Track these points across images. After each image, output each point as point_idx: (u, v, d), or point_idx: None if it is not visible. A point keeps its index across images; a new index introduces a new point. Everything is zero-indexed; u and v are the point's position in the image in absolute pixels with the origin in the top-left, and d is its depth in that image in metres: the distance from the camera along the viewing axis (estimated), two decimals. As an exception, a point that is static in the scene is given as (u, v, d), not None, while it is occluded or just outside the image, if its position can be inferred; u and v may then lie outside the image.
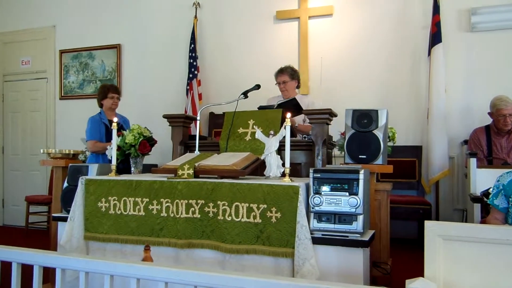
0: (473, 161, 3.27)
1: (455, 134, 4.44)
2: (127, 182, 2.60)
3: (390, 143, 3.26)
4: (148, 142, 3.67)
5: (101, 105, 4.33)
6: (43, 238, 4.87)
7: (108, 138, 4.14)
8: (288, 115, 2.49)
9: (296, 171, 3.21)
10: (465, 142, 4.24)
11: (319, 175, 2.25)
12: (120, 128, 4.23)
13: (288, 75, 4.05)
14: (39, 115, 6.28)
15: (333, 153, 3.47)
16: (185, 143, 3.56)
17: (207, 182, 2.43)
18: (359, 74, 4.83)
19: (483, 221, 2.98)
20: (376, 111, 2.64)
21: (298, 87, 4.21)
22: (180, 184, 2.47)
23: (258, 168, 2.78)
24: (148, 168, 4.59)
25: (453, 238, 1.56)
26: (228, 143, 3.28)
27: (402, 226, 4.45)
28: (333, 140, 3.46)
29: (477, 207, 3.10)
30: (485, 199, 3.08)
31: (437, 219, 4.34)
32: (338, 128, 3.39)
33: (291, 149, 2.69)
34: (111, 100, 4.24)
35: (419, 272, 1.56)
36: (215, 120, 5.24)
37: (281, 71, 4.09)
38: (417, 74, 4.65)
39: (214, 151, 3.38)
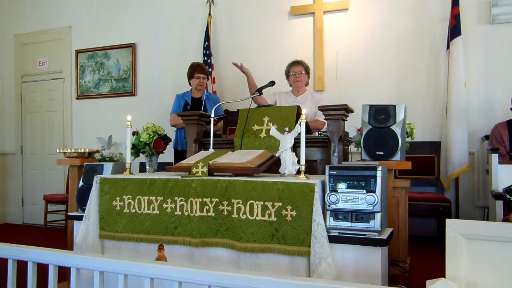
0: (494, 157, 3.17)
1: (475, 129, 4.32)
2: (141, 181, 2.59)
3: (408, 139, 3.19)
4: (162, 140, 3.67)
5: (190, 84, 4.49)
6: (61, 237, 4.92)
7: None
8: (304, 111, 2.44)
9: (311, 168, 3.16)
10: (486, 137, 4.13)
11: (335, 172, 2.20)
12: (203, 103, 4.36)
13: (304, 67, 4.05)
14: (56, 115, 6.35)
15: (349, 149, 3.41)
16: (199, 141, 3.53)
17: (221, 180, 2.40)
18: (376, 69, 4.74)
19: (506, 218, 2.89)
20: (394, 106, 2.58)
21: (307, 83, 4.16)
22: (194, 182, 2.45)
23: (273, 165, 2.74)
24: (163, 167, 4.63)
25: (476, 237, 1.49)
26: (242, 141, 3.25)
27: (421, 223, 4.36)
28: (350, 136, 3.40)
29: (499, 204, 3.00)
30: (508, 196, 2.99)
31: (457, 216, 4.24)
32: (354, 124, 3.32)
33: (306, 146, 2.64)
34: (197, 80, 4.38)
35: (438, 271, 1.51)
36: (230, 118, 5.20)
37: (297, 62, 4.07)
38: (435, 68, 4.54)
39: (228, 149, 3.35)
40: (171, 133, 4.50)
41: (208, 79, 4.54)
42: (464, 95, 4.18)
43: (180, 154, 4.36)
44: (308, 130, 3.41)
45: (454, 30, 4.20)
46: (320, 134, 3.25)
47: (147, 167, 3.74)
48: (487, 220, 3.77)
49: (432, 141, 4.46)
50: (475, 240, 1.50)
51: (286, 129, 2.75)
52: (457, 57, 4.18)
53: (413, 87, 4.60)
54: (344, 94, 4.74)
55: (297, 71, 4.02)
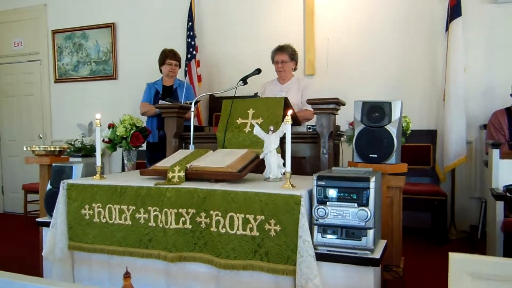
0: (495, 153, 2.96)
1: (473, 117, 4.09)
2: (111, 188, 2.35)
3: (403, 132, 2.96)
4: (141, 134, 3.42)
5: (161, 71, 4.29)
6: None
7: (156, 102, 4.09)
8: (290, 112, 2.20)
9: (299, 165, 2.94)
10: (485, 126, 3.90)
11: (323, 182, 1.97)
12: (174, 91, 4.16)
13: (288, 55, 3.75)
14: (34, 99, 6.02)
15: (340, 144, 3.18)
16: (180, 135, 3.29)
17: (198, 189, 2.17)
18: (370, 53, 4.45)
19: (508, 221, 2.70)
20: (389, 103, 2.33)
21: (295, 69, 3.90)
22: (168, 191, 2.22)
23: (257, 166, 2.51)
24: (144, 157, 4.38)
25: (484, 276, 1.28)
26: (226, 135, 3.01)
27: (414, 215, 4.18)
28: (341, 129, 3.17)
29: (499, 204, 2.81)
30: (509, 195, 2.80)
31: (452, 209, 4.07)
32: (346, 117, 3.07)
33: (293, 142, 2.41)
34: (169, 67, 4.18)
35: (433, 273, 1.32)
36: (216, 104, 4.94)
37: (281, 49, 3.78)
38: (433, 51, 4.25)
39: (211, 144, 3.12)
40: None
41: (180, 67, 4.27)
42: (463, 81, 3.93)
43: (152, 146, 4.13)
44: (296, 121, 3.18)
45: (454, 11, 3.91)
46: (309, 128, 3.01)
47: (125, 161, 3.51)
48: (485, 215, 3.59)
49: (428, 129, 4.23)
50: (483, 279, 1.29)
51: (271, 128, 2.50)
52: (456, 40, 3.90)
53: (409, 72, 4.34)
54: (336, 79, 4.48)
55: (279, 60, 3.75)
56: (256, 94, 3.55)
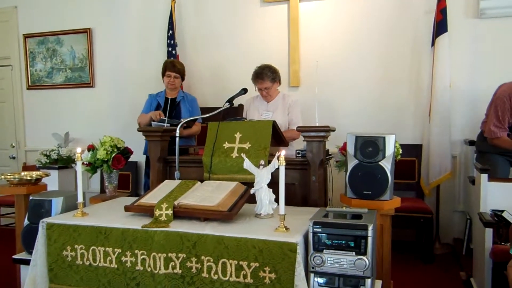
0: (484, 177, 2.96)
1: (458, 132, 4.11)
2: (95, 229, 2.23)
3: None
4: (122, 155, 3.29)
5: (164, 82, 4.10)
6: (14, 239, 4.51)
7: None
8: (283, 152, 2.12)
9: (289, 191, 2.86)
10: (470, 142, 3.91)
11: (319, 229, 1.91)
12: (177, 105, 3.99)
13: (269, 80, 3.59)
14: (6, 106, 5.76)
15: (329, 167, 3.11)
16: (164, 159, 3.17)
17: (188, 234, 2.08)
18: (354, 66, 4.40)
19: (497, 248, 2.71)
20: (383, 138, 2.28)
21: (279, 84, 3.78)
22: (156, 235, 2.12)
23: (248, 199, 2.43)
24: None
25: None
26: (212, 160, 2.92)
27: (398, 229, 4.18)
28: (330, 153, 3.12)
29: (488, 231, 2.81)
30: (496, 219, 2.81)
31: (437, 223, 4.09)
32: (332, 138, 2.99)
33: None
34: (168, 78, 3.98)
35: None
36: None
37: (260, 77, 3.60)
38: (418, 65, 4.23)
39: (197, 168, 3.03)
40: (140, 139, 4.08)
41: (183, 79, 4.10)
42: (448, 96, 3.93)
43: None
44: (283, 142, 3.12)
45: (440, 26, 3.89)
46: (298, 154, 2.94)
47: (106, 183, 3.36)
48: (470, 231, 3.62)
49: (413, 143, 4.23)
50: None
51: (262, 162, 2.42)
52: (442, 56, 3.89)
53: (394, 85, 4.32)
54: (321, 91, 4.39)
55: (262, 87, 3.62)
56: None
